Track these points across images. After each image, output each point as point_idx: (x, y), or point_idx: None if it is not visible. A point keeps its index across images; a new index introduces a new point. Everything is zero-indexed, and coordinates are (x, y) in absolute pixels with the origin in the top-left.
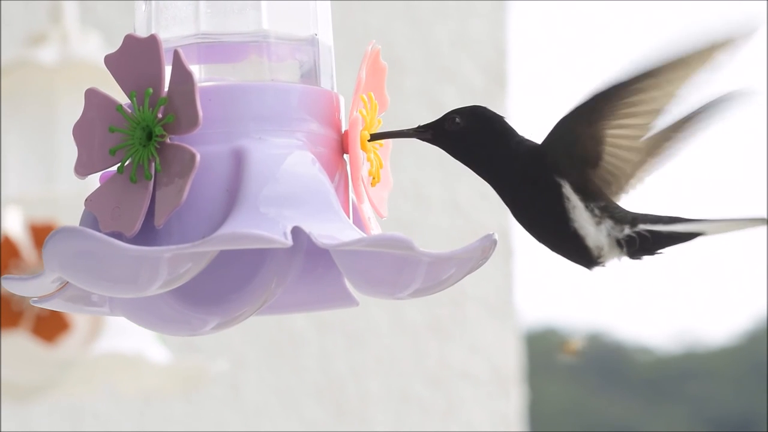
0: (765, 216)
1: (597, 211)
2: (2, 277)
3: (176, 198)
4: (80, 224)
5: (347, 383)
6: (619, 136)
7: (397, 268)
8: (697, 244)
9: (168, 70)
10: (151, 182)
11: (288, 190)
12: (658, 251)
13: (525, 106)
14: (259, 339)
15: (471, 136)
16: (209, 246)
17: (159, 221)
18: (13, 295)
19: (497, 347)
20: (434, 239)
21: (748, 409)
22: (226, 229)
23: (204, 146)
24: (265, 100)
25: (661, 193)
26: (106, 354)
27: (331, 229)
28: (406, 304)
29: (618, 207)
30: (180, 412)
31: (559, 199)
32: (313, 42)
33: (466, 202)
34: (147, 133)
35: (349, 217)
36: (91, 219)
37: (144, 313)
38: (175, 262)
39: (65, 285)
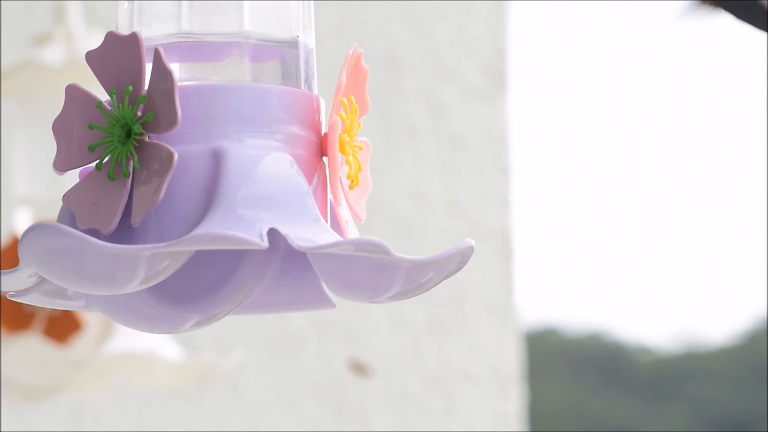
0: None
1: None
2: None
3: (153, 196)
4: (58, 220)
5: (347, 383)
6: None
7: (375, 272)
8: (697, 243)
9: (148, 69)
10: (129, 180)
11: (265, 191)
12: None
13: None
14: (259, 339)
15: None
16: (184, 246)
17: (136, 219)
18: None
19: (497, 347)
20: (434, 239)
21: (748, 409)
22: (202, 229)
23: (182, 145)
24: (244, 101)
25: (661, 194)
26: (119, 353)
27: (308, 232)
28: (405, 303)
29: None
30: (180, 412)
31: None
32: (294, 44)
33: (466, 202)
34: (126, 131)
35: (326, 220)
36: (68, 215)
37: (121, 309)
38: (153, 260)
39: (42, 280)
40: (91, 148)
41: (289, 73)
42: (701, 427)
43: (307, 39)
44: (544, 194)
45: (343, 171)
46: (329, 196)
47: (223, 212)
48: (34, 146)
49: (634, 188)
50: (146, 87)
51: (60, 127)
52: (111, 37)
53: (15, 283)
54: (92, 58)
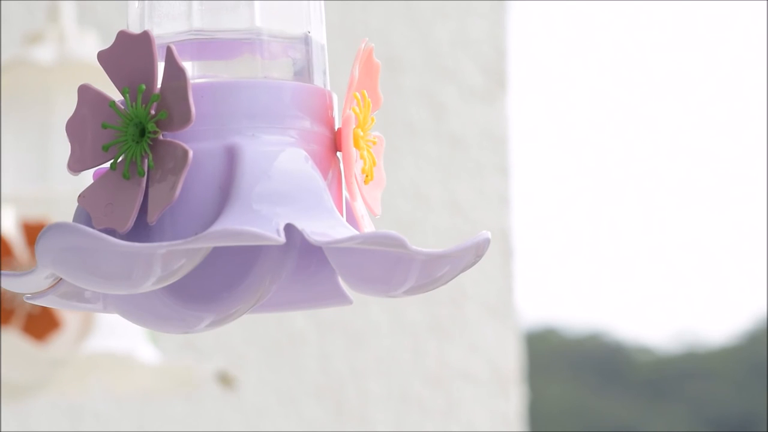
0: None
1: None
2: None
3: (169, 194)
4: (73, 221)
5: (347, 383)
6: None
7: (391, 266)
8: (698, 244)
9: (161, 67)
10: (144, 179)
11: (281, 187)
12: None
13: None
14: (259, 339)
15: None
16: (202, 242)
17: (152, 218)
18: (5, 292)
19: (497, 347)
20: (434, 239)
21: (748, 409)
22: (219, 225)
23: (197, 143)
24: (257, 98)
25: (661, 194)
26: (96, 353)
27: (324, 227)
28: (405, 303)
29: None
30: (180, 412)
31: None
32: (306, 40)
33: (466, 202)
34: (140, 130)
35: (342, 215)
36: (84, 216)
37: (138, 310)
38: (169, 258)
39: (59, 281)
40: (106, 148)
41: (301, 69)
42: (701, 427)
43: (318, 35)
44: (544, 194)
45: (357, 166)
46: (344, 191)
47: (239, 208)
48: (21, 145)
49: (634, 188)
50: (159, 85)
51: (74, 128)
52: (123, 36)
53: (31, 285)
54: (104, 57)
